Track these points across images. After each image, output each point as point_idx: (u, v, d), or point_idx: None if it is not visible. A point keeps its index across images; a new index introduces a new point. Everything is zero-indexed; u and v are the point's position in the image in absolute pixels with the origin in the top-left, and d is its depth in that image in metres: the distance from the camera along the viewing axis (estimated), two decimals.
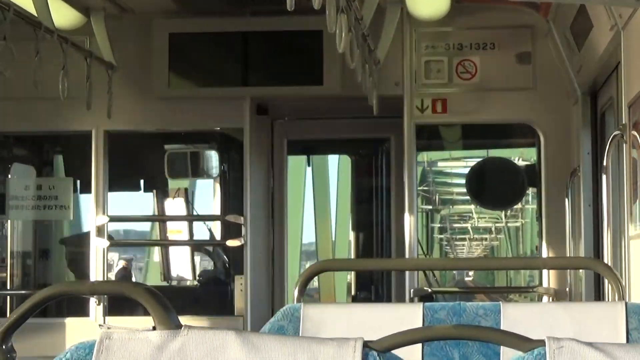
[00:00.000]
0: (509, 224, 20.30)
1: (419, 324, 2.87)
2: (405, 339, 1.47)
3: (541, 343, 1.46)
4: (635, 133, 4.42)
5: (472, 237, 23.23)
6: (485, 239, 24.07)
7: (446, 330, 1.57)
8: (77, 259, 7.30)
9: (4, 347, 1.69)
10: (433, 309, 2.92)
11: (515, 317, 2.85)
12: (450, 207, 18.24)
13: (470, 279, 20.77)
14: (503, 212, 17.92)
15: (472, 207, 17.21)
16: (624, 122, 4.62)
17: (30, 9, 5.59)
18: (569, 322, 2.82)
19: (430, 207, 17.44)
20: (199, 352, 1.49)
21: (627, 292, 4.56)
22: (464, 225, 21.27)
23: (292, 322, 2.89)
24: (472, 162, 7.96)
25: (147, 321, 1.67)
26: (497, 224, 20.92)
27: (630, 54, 4.59)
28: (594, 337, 2.73)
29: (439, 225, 20.48)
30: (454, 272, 17.13)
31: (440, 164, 14.97)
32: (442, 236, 22.15)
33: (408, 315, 2.91)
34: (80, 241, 7.13)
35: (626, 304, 2.81)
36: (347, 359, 1.46)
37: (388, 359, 1.48)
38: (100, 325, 1.58)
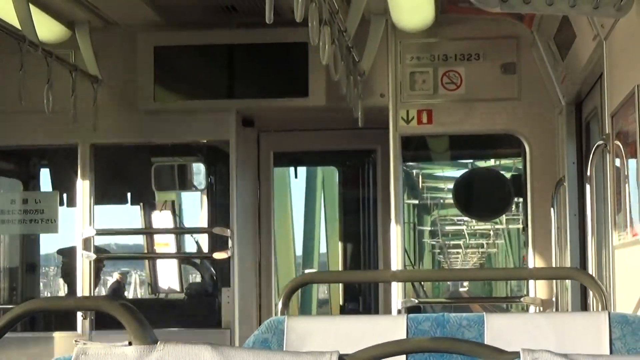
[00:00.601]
0: (510, 227, 19.21)
1: (402, 335, 2.86)
2: (380, 352, 1.47)
3: (515, 355, 1.47)
4: (618, 143, 4.43)
5: (467, 242, 22.41)
6: (482, 246, 23.29)
7: (421, 342, 1.57)
8: (71, 271, 7.29)
9: None
10: (417, 321, 2.91)
11: (499, 328, 2.85)
12: (442, 201, 17.43)
13: (465, 289, 20.53)
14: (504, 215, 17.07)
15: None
16: (607, 132, 4.63)
17: (14, 22, 5.58)
18: (553, 332, 2.82)
19: (417, 201, 16.49)
20: None
21: (611, 302, 4.56)
22: (459, 227, 20.29)
23: (276, 334, 2.89)
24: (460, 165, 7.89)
25: None
26: (496, 227, 19.90)
27: (612, 64, 4.61)
28: (578, 347, 2.74)
29: (429, 228, 19.64)
30: (448, 282, 16.72)
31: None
32: (434, 242, 21.44)
33: (392, 327, 2.91)
34: (76, 253, 7.11)
35: (609, 314, 2.82)
36: None
37: None
38: (75, 341, 1.57)
